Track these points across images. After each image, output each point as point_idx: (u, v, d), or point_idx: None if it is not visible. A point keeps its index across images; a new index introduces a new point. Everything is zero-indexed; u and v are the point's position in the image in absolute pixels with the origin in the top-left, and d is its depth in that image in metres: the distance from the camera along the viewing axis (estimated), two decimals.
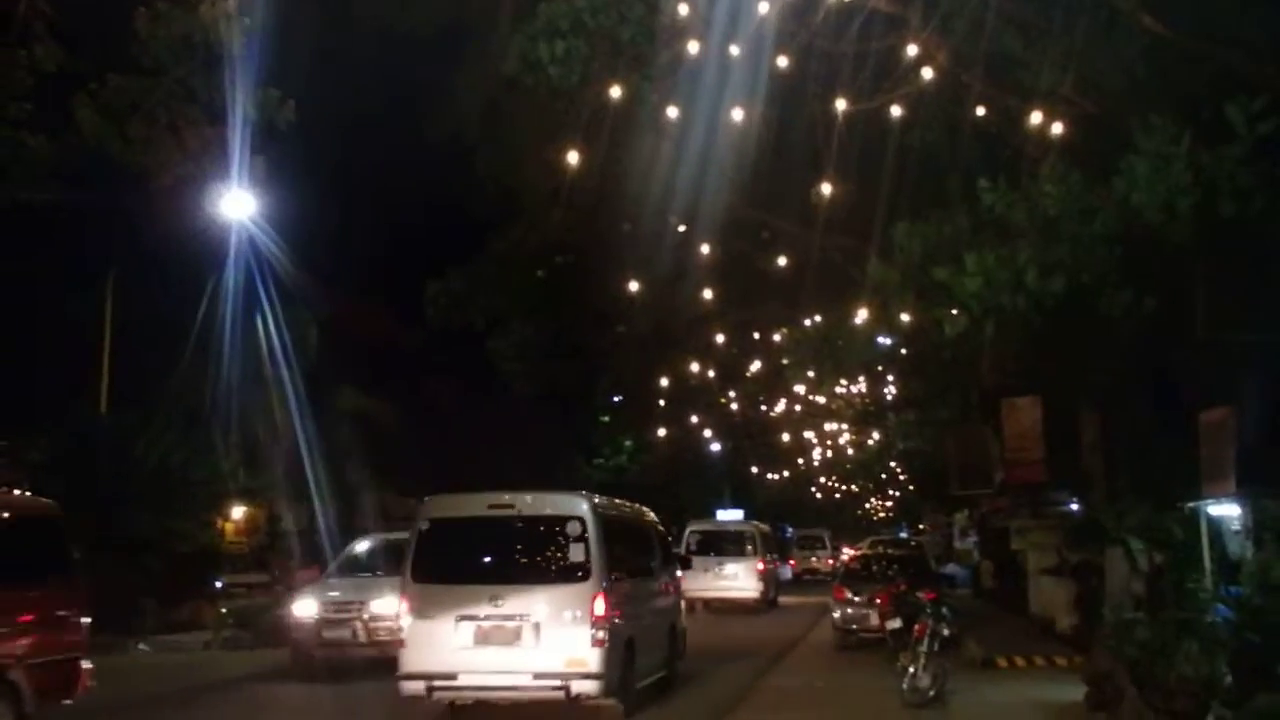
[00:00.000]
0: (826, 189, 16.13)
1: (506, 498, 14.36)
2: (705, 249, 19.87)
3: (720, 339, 26.72)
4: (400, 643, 13.68)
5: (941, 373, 24.11)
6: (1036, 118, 12.33)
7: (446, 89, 22.18)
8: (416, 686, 13.48)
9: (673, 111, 15.12)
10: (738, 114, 14.71)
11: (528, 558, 14.32)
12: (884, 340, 20.11)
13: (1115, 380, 17.62)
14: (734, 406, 39.49)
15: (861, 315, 17.85)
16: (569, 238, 23.97)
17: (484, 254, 25.23)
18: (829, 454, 52.00)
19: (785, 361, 26.06)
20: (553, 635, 13.28)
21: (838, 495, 73.97)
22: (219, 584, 29.37)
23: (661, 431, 42.83)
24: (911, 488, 56.59)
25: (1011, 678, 18.32)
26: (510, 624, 13.35)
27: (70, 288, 26.37)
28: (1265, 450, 12.87)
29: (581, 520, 13.90)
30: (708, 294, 22.15)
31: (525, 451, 45.36)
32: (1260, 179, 10.17)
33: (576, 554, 13.73)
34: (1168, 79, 11.86)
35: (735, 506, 57.44)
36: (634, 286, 21.47)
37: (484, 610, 13.38)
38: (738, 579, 32.74)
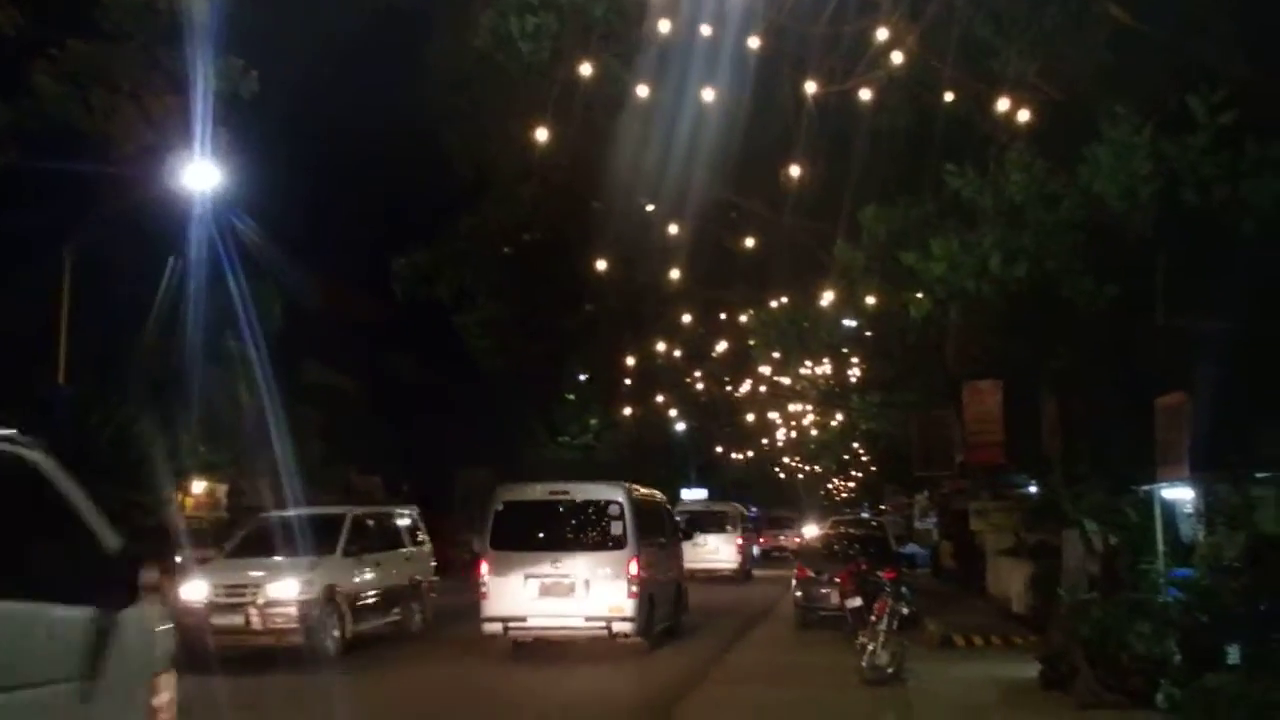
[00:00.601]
0: (796, 171, 16.20)
1: (564, 486, 19.60)
2: (674, 229, 19.89)
3: (687, 319, 26.77)
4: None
5: (906, 356, 24.29)
6: (1004, 104, 12.44)
7: (416, 63, 22.04)
8: (495, 627, 18.18)
9: (643, 90, 15.11)
10: (708, 94, 14.74)
11: (579, 531, 18.74)
12: (849, 323, 20.23)
13: (1076, 365, 17.80)
14: (700, 386, 39.55)
15: (828, 298, 17.95)
16: (538, 215, 23.88)
17: (452, 229, 25.11)
18: (793, 434, 52.25)
19: (751, 342, 26.17)
20: (599, 589, 17.89)
21: (801, 475, 74.28)
22: (178, 559, 29.21)
23: (628, 410, 42.86)
24: (874, 469, 56.94)
25: (969, 656, 18.55)
26: (566, 581, 17.94)
27: (29, 257, 26.06)
28: (1218, 435, 13.07)
29: (620, 504, 18.64)
30: (676, 274, 22.17)
31: (491, 428, 45.43)
32: (1221, 169, 10.32)
33: (616, 529, 18.42)
34: (1134, 69, 11.99)
35: (700, 486, 57.67)
36: (602, 265, 21.45)
37: (546, 571, 17.96)
38: (719, 553, 36.56)
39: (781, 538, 55.51)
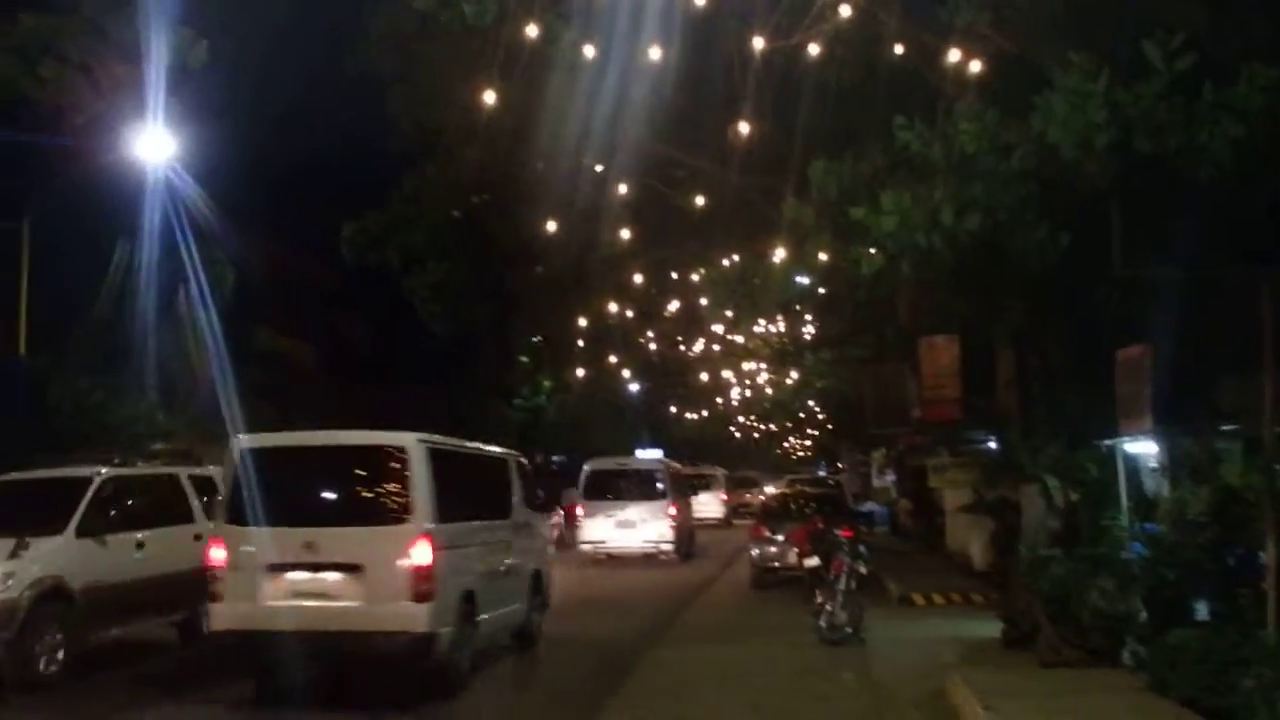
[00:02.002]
0: (743, 128, 15.98)
1: (626, 460, 33.23)
2: (622, 188, 19.68)
3: (638, 279, 26.58)
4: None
5: (858, 312, 24.22)
6: (954, 56, 12.26)
7: (360, 25, 21.67)
8: (588, 548, 29.50)
9: (589, 50, 14.85)
10: (654, 52, 14.50)
11: (639, 488, 29.94)
12: (801, 279, 20.08)
13: (1031, 318, 17.73)
14: (652, 346, 39.42)
15: (779, 255, 17.79)
16: (485, 177, 23.63)
17: (400, 194, 24.82)
18: (747, 393, 52.36)
19: (703, 301, 26.02)
20: (651, 525, 29.22)
21: (756, 435, 74.50)
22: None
23: (580, 372, 42.71)
24: (829, 427, 57.17)
25: (928, 615, 18.59)
26: (631, 520, 29.30)
27: None
28: (1180, 387, 13.01)
29: (661, 471, 31.26)
30: (625, 234, 21.97)
31: (444, 392, 45.22)
32: (1176, 116, 10.19)
33: (660, 488, 29.99)
34: (1086, 16, 11.84)
35: (653, 446, 57.87)
36: (551, 226, 21.20)
37: (617, 513, 29.30)
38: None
39: (747, 496, 57.63)
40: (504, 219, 24.80)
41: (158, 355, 28.98)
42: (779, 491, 33.60)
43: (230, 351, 29.71)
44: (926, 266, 13.13)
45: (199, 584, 12.92)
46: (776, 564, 22.76)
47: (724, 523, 47.61)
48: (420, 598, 11.53)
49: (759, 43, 14.18)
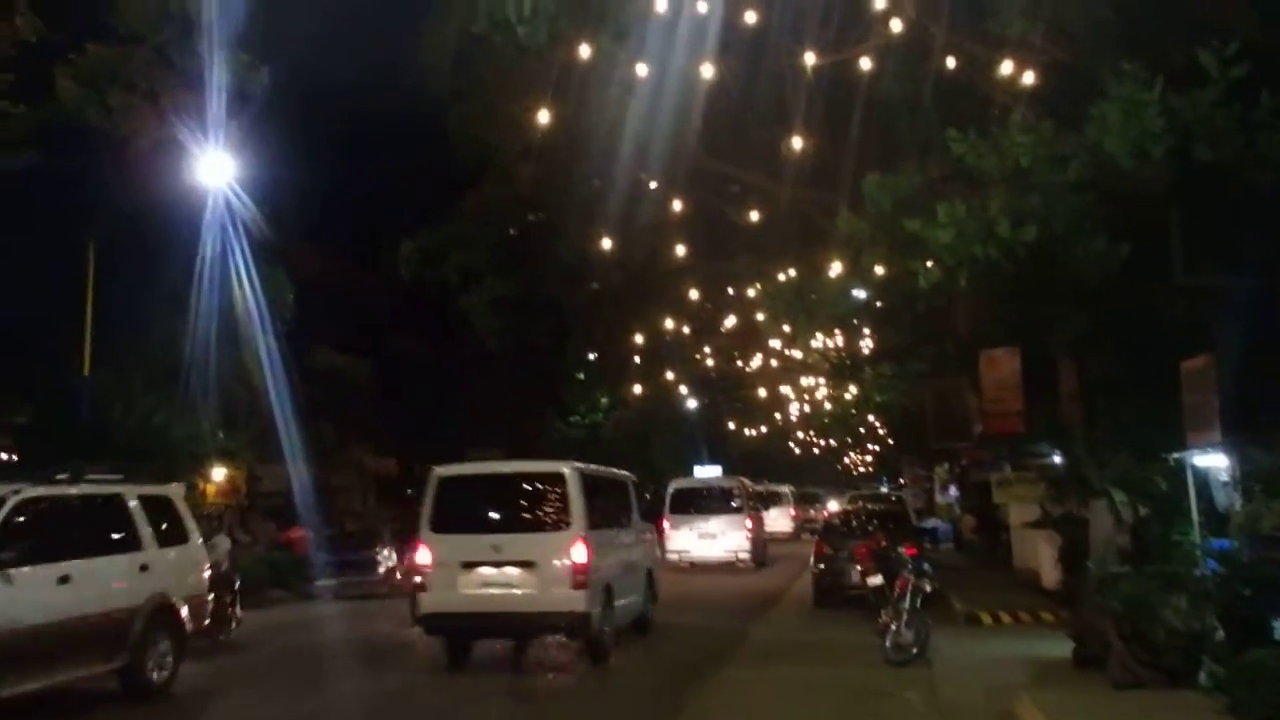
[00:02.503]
0: (797, 142, 15.95)
1: (707, 478, 38.49)
2: (676, 204, 19.71)
3: (694, 294, 26.60)
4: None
5: (916, 324, 24.03)
6: (1007, 67, 12.18)
7: (417, 47, 21.93)
8: (674, 556, 30.55)
9: (641, 68, 14.91)
10: (706, 69, 14.53)
11: (717, 503, 32.56)
12: (858, 293, 19.99)
13: (1092, 328, 17.50)
14: (709, 362, 39.38)
15: (835, 268, 17.72)
16: (540, 194, 23.77)
17: (457, 212, 25.04)
18: (806, 408, 52.09)
19: (759, 316, 25.95)
20: (730, 536, 31.79)
21: (816, 450, 74.11)
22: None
23: (637, 388, 42.75)
24: (890, 442, 56.75)
25: (996, 634, 18.26)
26: (713, 531, 31.74)
27: (53, 251, 26.24)
28: (1248, 396, 12.74)
29: (740, 486, 33.94)
30: (680, 249, 21.98)
31: (500, 409, 45.49)
32: (1234, 123, 10.05)
33: (737, 503, 32.59)
34: (1139, 25, 11.71)
35: (712, 463, 57.76)
36: (606, 243, 21.27)
37: (699, 526, 31.69)
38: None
39: (811, 511, 58.47)
40: (560, 236, 24.90)
41: (219, 375, 29.43)
42: (841, 508, 33.40)
43: (289, 370, 30.09)
44: (984, 278, 13.03)
45: (148, 623, 12.77)
46: (839, 582, 22.47)
47: (793, 537, 49.08)
48: (578, 586, 14.74)
49: (810, 58, 14.16)
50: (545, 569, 14.87)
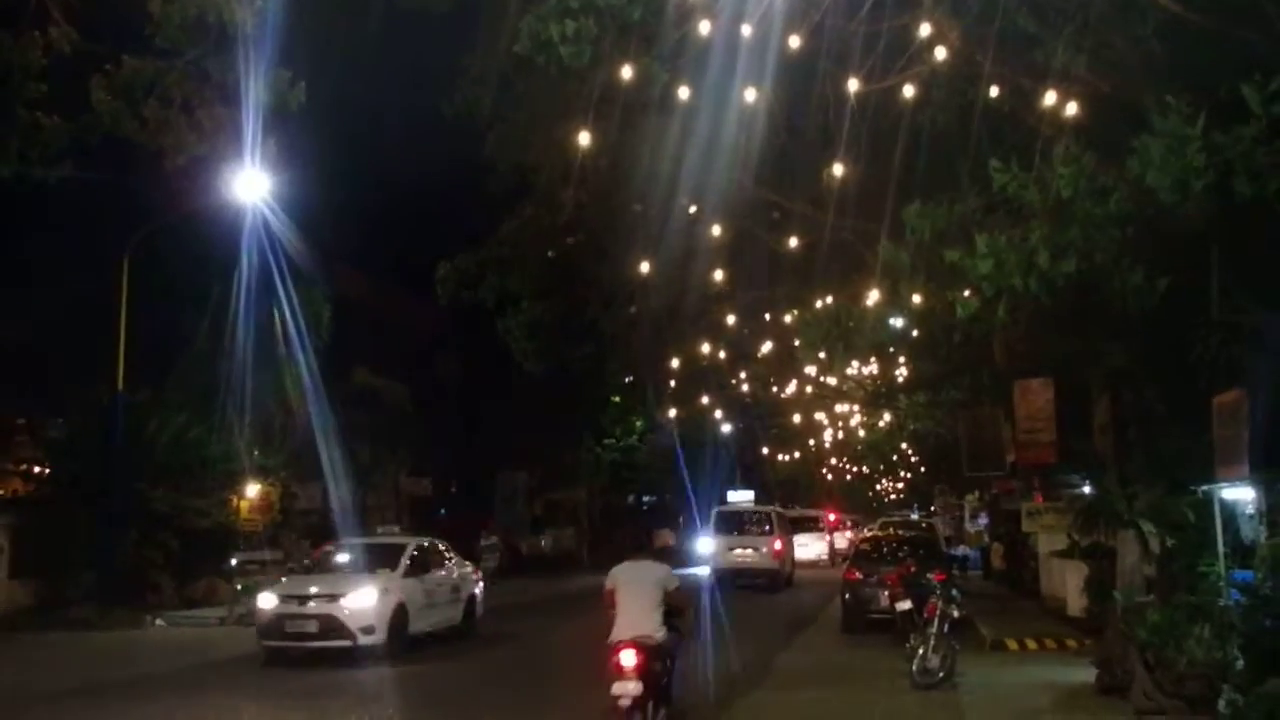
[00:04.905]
0: (838, 169, 16.01)
1: (745, 504, 47.24)
2: (716, 229, 19.79)
3: (731, 320, 26.63)
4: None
5: (953, 354, 24.01)
6: (1050, 98, 12.21)
7: (458, 67, 22.10)
8: (715, 567, 37.19)
9: (684, 92, 15.01)
10: (750, 94, 14.62)
11: (755, 528, 39.48)
12: (896, 321, 20.00)
13: (1128, 362, 17.50)
14: (745, 388, 39.54)
15: (873, 297, 17.75)
16: (580, 217, 23.86)
17: (495, 233, 25.15)
18: (840, 435, 52.08)
19: (796, 342, 25.95)
20: (762, 555, 38.49)
21: (849, 477, 73.93)
22: (234, 561, 29.53)
23: (672, 412, 42.83)
24: (922, 469, 56.60)
25: (1022, 660, 18.32)
26: (748, 549, 38.69)
27: (86, 267, 26.49)
28: (1278, 433, 12.73)
29: (774, 515, 40.74)
30: (719, 275, 22.04)
31: (536, 431, 45.64)
32: (1276, 159, 10.06)
33: (769, 528, 39.23)
34: (1184, 58, 11.73)
35: (745, 488, 57.77)
36: (645, 268, 21.36)
37: (736, 543, 38.57)
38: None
39: (849, 535, 58.31)
40: (599, 259, 24.98)
41: (255, 392, 29.61)
42: (871, 534, 33.29)
43: (326, 390, 30.25)
44: (1023, 309, 13.04)
45: None
46: (869, 606, 22.51)
47: (829, 562, 52.77)
48: (778, 558, 38.11)
49: (854, 84, 14.24)
50: (764, 550, 38.05)
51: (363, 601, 19.16)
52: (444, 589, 22.16)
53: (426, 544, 22.69)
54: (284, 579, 21.71)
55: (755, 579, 37.00)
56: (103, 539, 25.90)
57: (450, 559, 23.29)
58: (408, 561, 21.09)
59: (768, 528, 39.11)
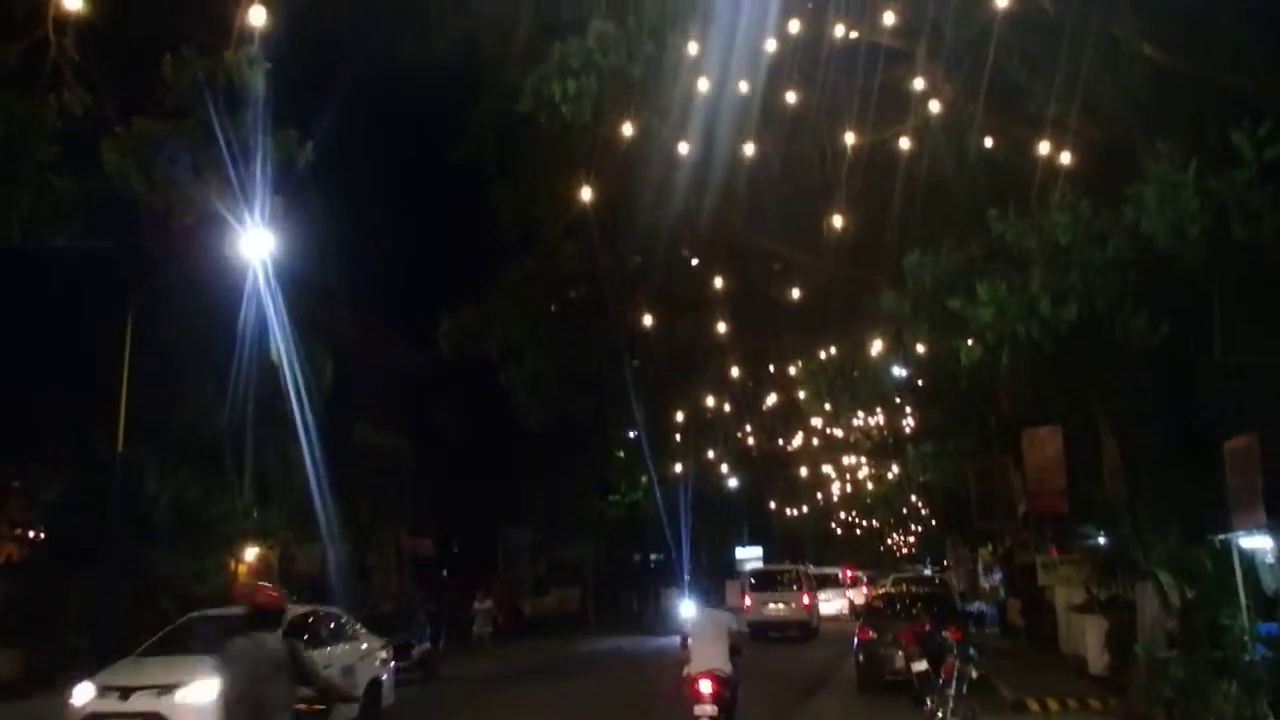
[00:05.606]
0: (838, 220, 16.08)
1: (785, 565, 46.88)
2: (718, 281, 19.86)
3: (735, 372, 26.64)
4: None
5: (959, 402, 23.94)
6: (1044, 147, 12.27)
7: (462, 123, 22.30)
8: (755, 620, 39.13)
9: (683, 147, 15.13)
10: (748, 148, 14.73)
11: (785, 583, 42.44)
12: (900, 371, 19.99)
13: (1135, 406, 17.40)
14: (750, 440, 39.58)
15: (876, 346, 17.76)
16: (582, 270, 23.95)
17: (498, 286, 25.21)
18: (848, 488, 51.95)
19: (801, 394, 25.94)
20: (794, 609, 41.03)
21: (858, 531, 73.56)
22: None
23: (678, 467, 42.75)
24: (933, 522, 56.28)
25: None
26: (782, 603, 41.11)
27: (92, 323, 26.51)
28: None
29: (804, 571, 44.36)
30: (721, 326, 22.08)
31: (540, 487, 45.49)
32: (1270, 201, 10.07)
33: (796, 583, 42.11)
34: (1173, 104, 11.80)
35: (753, 543, 57.39)
36: (648, 320, 21.41)
37: (771, 598, 41.09)
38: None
39: (865, 590, 58.35)
40: (602, 312, 25.03)
41: (255, 450, 29.43)
42: (884, 590, 32.92)
43: (327, 446, 30.05)
44: (1026, 355, 13.01)
45: None
46: (883, 668, 22.08)
47: (850, 616, 52.88)
48: (807, 610, 40.89)
49: (850, 137, 14.33)
50: (794, 604, 40.92)
51: (201, 696, 14.55)
52: (330, 673, 16.66)
53: (311, 614, 18.38)
54: (110, 666, 17.41)
55: (787, 630, 40.31)
56: (96, 603, 25.66)
57: (349, 633, 19.13)
58: None
59: (797, 585, 42.71)
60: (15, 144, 13.58)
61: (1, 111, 13.22)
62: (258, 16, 12.29)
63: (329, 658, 17.10)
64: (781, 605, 41.48)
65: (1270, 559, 14.04)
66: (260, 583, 23.18)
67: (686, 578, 46.55)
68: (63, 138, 13.86)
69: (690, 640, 13.87)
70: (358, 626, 19.56)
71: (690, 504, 47.97)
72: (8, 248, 15.49)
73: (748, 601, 41.55)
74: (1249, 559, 13.85)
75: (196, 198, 14.45)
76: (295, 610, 17.30)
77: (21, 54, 13.07)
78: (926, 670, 16.49)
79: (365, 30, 19.21)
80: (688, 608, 36.59)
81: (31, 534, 31.03)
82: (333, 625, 18.65)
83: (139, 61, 14.03)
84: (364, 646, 19.09)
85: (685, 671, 13.55)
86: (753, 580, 43.69)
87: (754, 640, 31.51)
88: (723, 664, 13.42)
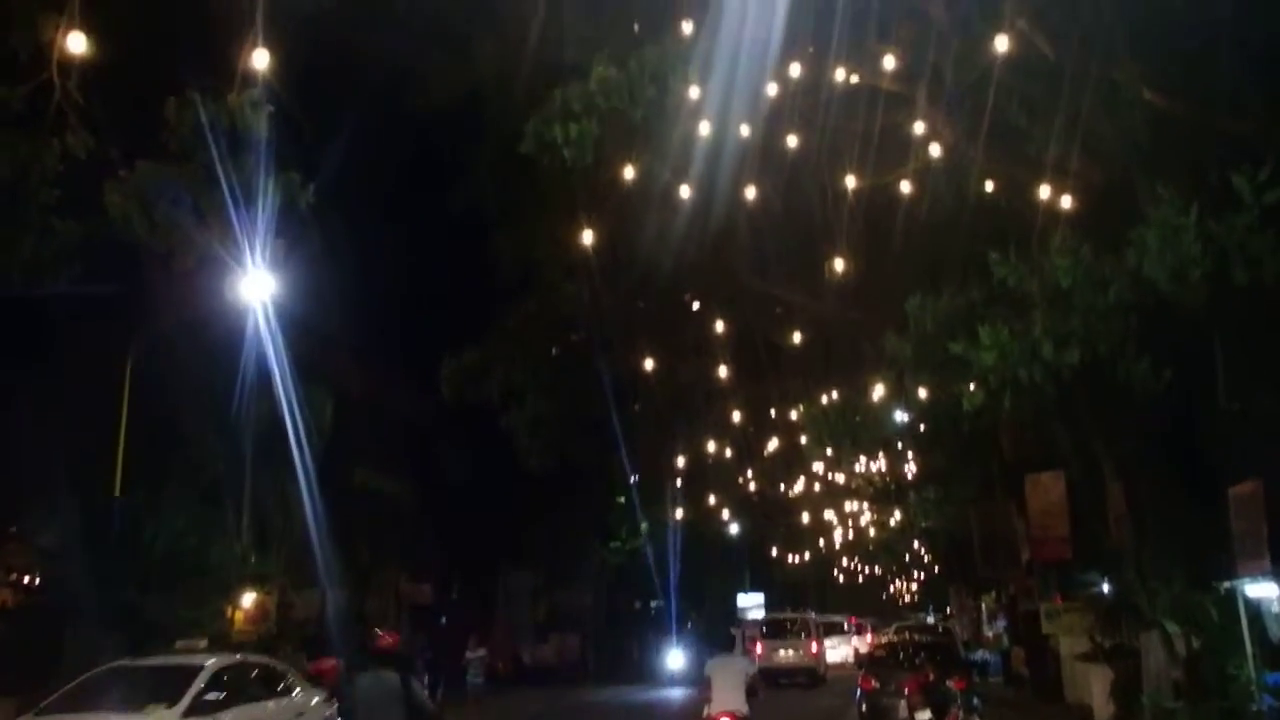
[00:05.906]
0: (839, 263, 16.07)
1: (789, 614, 46.78)
2: (719, 325, 19.84)
3: (736, 417, 26.56)
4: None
5: (961, 447, 23.84)
6: (1045, 191, 12.27)
7: (464, 166, 22.39)
8: (766, 665, 36.60)
9: (684, 190, 15.15)
10: (750, 191, 14.75)
11: (791, 633, 41.82)
12: (902, 415, 19.90)
13: (1139, 451, 17.30)
14: (752, 486, 39.51)
15: (878, 390, 17.70)
16: (583, 313, 23.94)
17: (500, 329, 25.20)
18: (850, 535, 51.76)
19: (803, 439, 25.84)
20: (802, 655, 40.76)
21: (861, 578, 73.16)
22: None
23: (679, 513, 42.59)
24: (937, 569, 55.99)
25: None
26: (791, 652, 40.66)
27: (86, 367, 26.42)
28: None
29: (812, 619, 44.54)
30: (723, 370, 22.03)
31: (543, 528, 45.21)
32: (1271, 245, 10.04)
33: (806, 633, 41.84)
34: (1173, 148, 11.81)
35: (755, 590, 57.05)
36: (649, 363, 21.37)
37: (780, 645, 40.90)
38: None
39: (869, 638, 58.76)
40: (603, 356, 25.00)
41: (254, 494, 29.29)
42: (887, 639, 32.63)
43: (326, 491, 29.89)
44: (1029, 399, 12.94)
45: None
46: (886, 717, 21.81)
47: (856, 665, 52.67)
48: (815, 658, 40.33)
49: (851, 181, 14.36)
50: (802, 651, 40.61)
51: None
52: None
53: (240, 665, 16.31)
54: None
55: (796, 677, 40.72)
56: (91, 650, 25.40)
57: (286, 686, 16.95)
58: (196, 691, 14.37)
59: (805, 633, 43.57)
60: (19, 187, 13.62)
61: (5, 153, 13.26)
62: (260, 60, 12.36)
63: (263, 715, 15.59)
64: (791, 652, 41.97)
65: (1276, 607, 13.90)
66: (378, 629, 25.24)
67: (675, 626, 47.29)
68: (65, 180, 13.90)
69: (712, 682, 14.55)
70: (291, 678, 17.25)
71: (684, 550, 47.72)
72: (9, 293, 15.50)
73: (759, 649, 41.37)
74: (1254, 607, 13.71)
75: (198, 240, 14.46)
76: (222, 661, 15.65)
77: (26, 96, 13.12)
78: None
79: (368, 74, 19.33)
80: (676, 658, 44.16)
81: (27, 579, 30.80)
82: (271, 674, 16.73)
83: (142, 104, 14.07)
84: (307, 701, 16.73)
85: (705, 712, 14.22)
86: (764, 628, 44.16)
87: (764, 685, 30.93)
88: (740, 705, 14.17)
